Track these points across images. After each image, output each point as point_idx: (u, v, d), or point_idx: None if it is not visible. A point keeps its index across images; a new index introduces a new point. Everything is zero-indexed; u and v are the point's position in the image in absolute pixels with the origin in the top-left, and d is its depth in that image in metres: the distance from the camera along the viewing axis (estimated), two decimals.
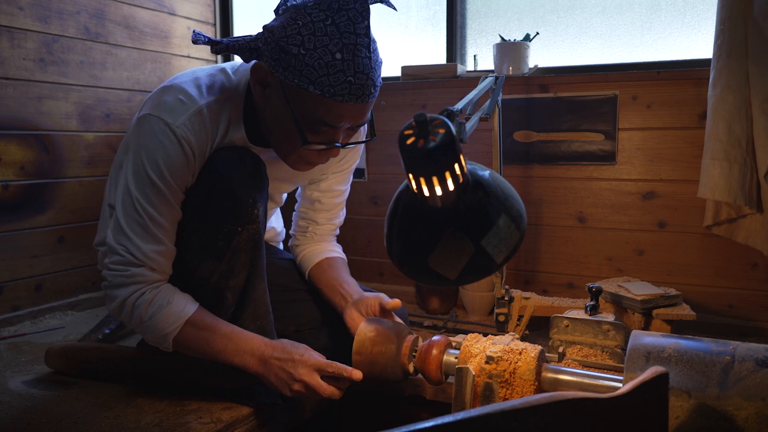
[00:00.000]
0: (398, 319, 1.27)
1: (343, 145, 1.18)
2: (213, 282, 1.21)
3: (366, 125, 1.24)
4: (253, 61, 1.16)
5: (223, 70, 1.26)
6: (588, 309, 1.41)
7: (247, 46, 1.13)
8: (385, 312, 1.27)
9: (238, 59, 1.29)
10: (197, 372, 1.27)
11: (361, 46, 1.06)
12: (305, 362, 1.14)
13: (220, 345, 1.17)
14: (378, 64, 1.12)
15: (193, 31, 1.15)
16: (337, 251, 1.51)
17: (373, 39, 1.10)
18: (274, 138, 1.22)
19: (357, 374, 1.15)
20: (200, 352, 1.18)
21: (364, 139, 1.29)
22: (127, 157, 1.18)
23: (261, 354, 1.16)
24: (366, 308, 1.27)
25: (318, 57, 1.05)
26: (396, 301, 1.26)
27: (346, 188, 1.53)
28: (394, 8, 1.15)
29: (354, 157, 1.48)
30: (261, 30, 1.13)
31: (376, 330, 1.18)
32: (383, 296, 1.29)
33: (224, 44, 1.13)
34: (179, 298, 1.18)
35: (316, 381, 1.13)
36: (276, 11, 1.13)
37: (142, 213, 1.15)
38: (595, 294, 1.42)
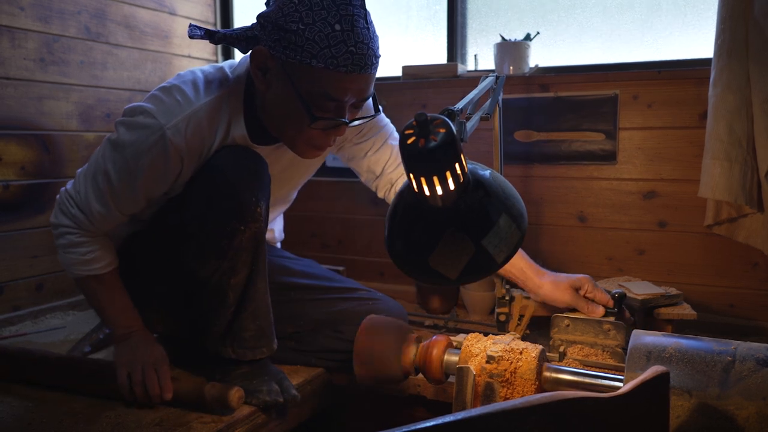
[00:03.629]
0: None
1: (350, 122, 1.17)
2: (215, 281, 1.21)
3: (370, 103, 1.23)
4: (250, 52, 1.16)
5: (221, 69, 1.26)
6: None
7: (244, 36, 1.15)
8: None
9: (236, 59, 1.30)
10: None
11: (358, 16, 1.07)
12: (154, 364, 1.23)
13: (106, 305, 1.31)
14: (376, 36, 1.12)
15: (189, 25, 1.16)
16: None
17: (368, 11, 1.11)
18: (278, 125, 1.21)
19: (167, 396, 1.21)
20: (88, 300, 1.35)
21: (369, 115, 1.27)
22: (114, 133, 1.21)
23: (128, 333, 1.29)
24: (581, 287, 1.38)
25: (318, 30, 1.05)
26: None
27: (375, 137, 1.44)
28: None
29: (373, 126, 1.42)
30: (255, 20, 1.14)
31: (375, 335, 1.17)
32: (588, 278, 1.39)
33: (221, 34, 1.15)
34: (99, 256, 1.28)
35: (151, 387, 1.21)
36: (267, 3, 1.14)
37: (105, 184, 1.21)
38: (619, 301, 1.39)
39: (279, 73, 1.12)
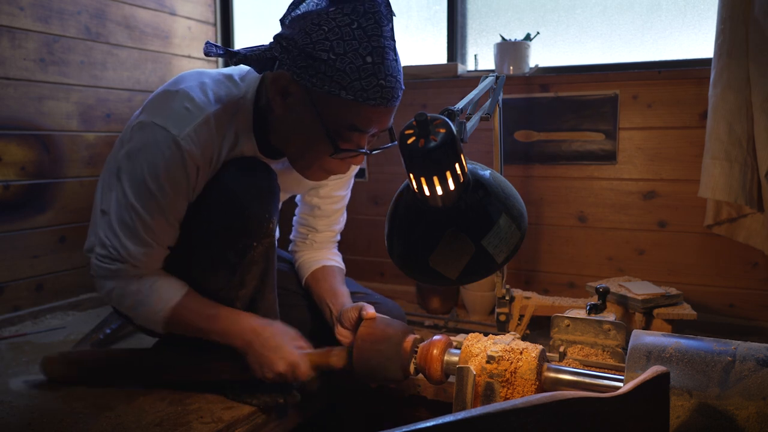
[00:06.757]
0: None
1: (370, 152, 1.16)
2: (223, 293, 1.22)
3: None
4: (265, 72, 1.13)
5: (230, 77, 1.22)
6: (588, 308, 1.40)
7: (263, 56, 1.11)
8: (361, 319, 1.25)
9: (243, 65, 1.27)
10: (201, 369, 1.28)
11: (388, 48, 1.06)
12: (286, 357, 1.17)
13: (209, 325, 1.20)
14: (401, 66, 1.12)
15: (206, 43, 1.10)
16: (334, 260, 1.49)
17: (395, 41, 1.10)
18: (293, 149, 1.19)
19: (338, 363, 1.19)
20: (190, 335, 1.21)
21: (387, 145, 1.27)
22: (125, 162, 1.16)
23: (247, 339, 1.19)
24: (347, 321, 1.26)
25: (349, 61, 1.03)
26: (371, 313, 1.23)
27: (346, 194, 1.51)
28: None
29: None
30: (273, 40, 1.10)
31: (375, 332, 1.18)
32: (363, 305, 1.26)
33: (242, 55, 1.10)
34: (164, 286, 1.20)
35: (299, 371, 1.18)
36: (282, 21, 1.11)
37: (135, 219, 1.15)
38: (602, 294, 1.41)
39: (302, 100, 1.09)
